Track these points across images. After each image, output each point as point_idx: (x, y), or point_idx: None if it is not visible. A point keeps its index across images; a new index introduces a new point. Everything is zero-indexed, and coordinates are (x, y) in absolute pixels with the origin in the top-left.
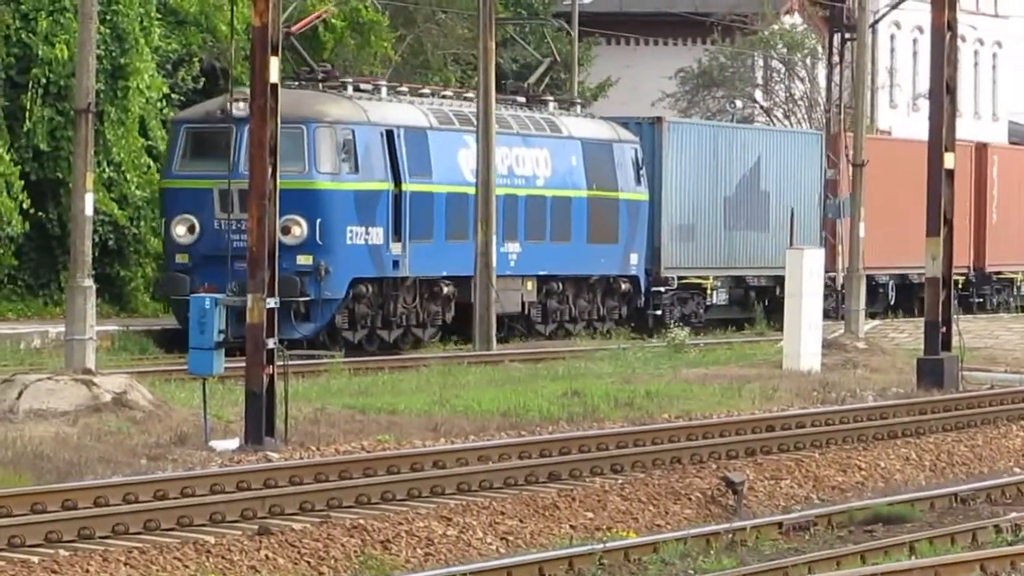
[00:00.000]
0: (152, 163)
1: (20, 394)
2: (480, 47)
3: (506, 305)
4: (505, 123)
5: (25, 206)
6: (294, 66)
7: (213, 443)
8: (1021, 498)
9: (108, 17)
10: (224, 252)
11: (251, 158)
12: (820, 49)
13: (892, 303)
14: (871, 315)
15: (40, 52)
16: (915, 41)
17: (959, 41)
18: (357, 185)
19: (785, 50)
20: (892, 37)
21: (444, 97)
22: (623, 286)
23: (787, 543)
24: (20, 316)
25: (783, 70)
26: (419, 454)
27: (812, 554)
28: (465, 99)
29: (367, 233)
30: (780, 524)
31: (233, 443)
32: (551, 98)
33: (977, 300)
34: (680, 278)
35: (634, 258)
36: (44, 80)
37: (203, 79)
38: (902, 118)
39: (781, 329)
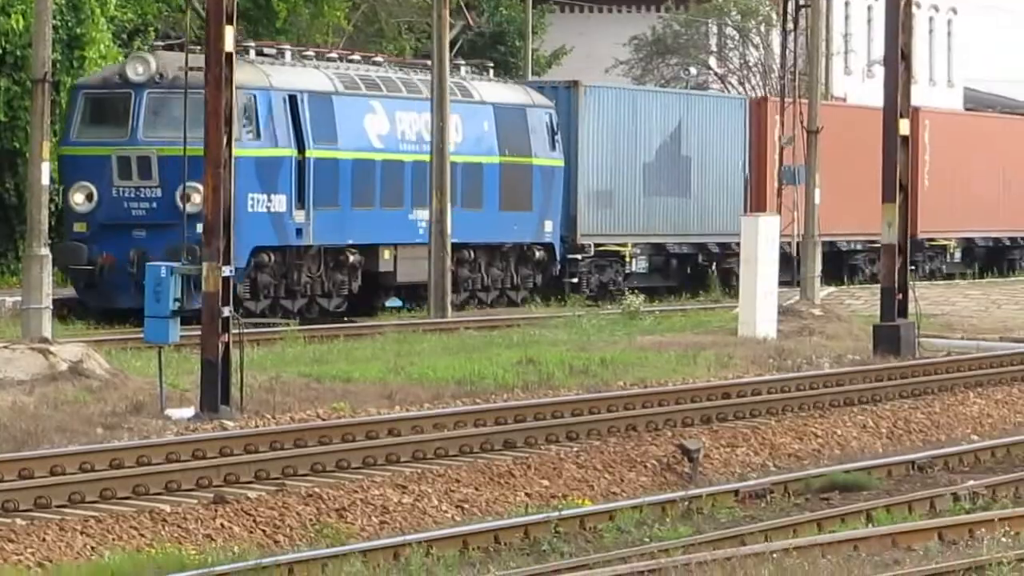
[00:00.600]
0: None
1: None
2: (434, 15)
3: (415, 274)
4: (414, 87)
5: None
6: (195, 31)
7: (169, 412)
8: (979, 466)
9: None
10: (123, 221)
11: (207, 127)
12: (774, 16)
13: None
14: (797, 283)
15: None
16: (870, 8)
17: (914, 7)
18: (258, 152)
19: (739, 17)
20: (847, 3)
21: (352, 61)
22: (537, 254)
23: (743, 511)
24: None
25: (737, 37)
26: (374, 422)
27: (768, 522)
28: (374, 63)
29: (269, 201)
30: (736, 492)
31: (189, 412)
32: (463, 63)
33: (910, 268)
34: (597, 245)
35: (549, 225)
36: (0, 51)
37: None
38: (857, 84)
39: (700, 298)
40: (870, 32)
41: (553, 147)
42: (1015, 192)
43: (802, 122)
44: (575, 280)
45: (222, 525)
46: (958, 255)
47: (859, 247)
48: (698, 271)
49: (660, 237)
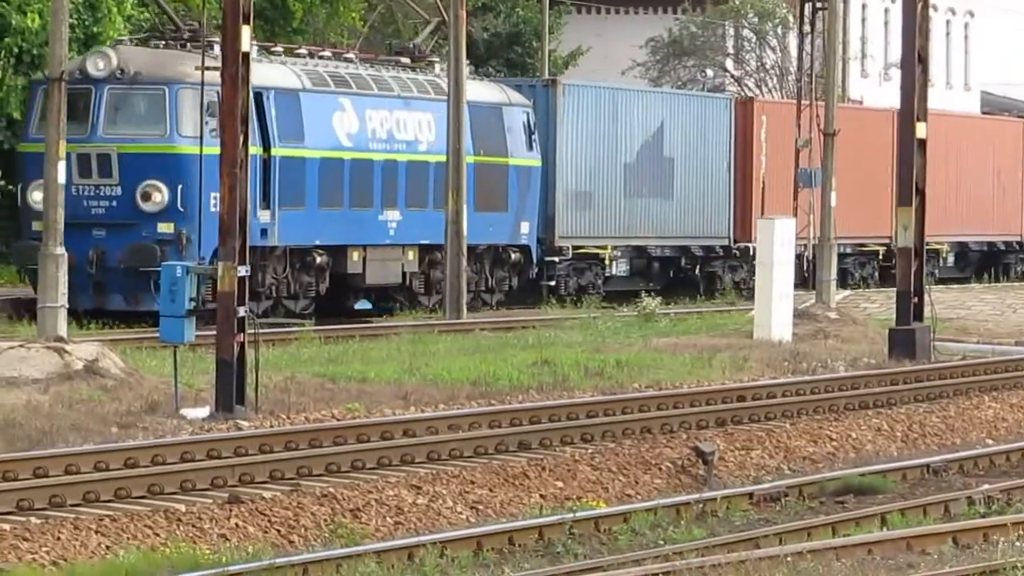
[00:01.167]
0: None
1: None
2: (451, 15)
3: (384, 276)
4: (385, 85)
5: None
6: (159, 24)
7: (184, 411)
8: (993, 470)
9: None
10: (82, 220)
11: (222, 127)
12: (791, 18)
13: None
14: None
15: (13, 21)
16: (887, 11)
17: (931, 11)
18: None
19: (756, 19)
20: (864, 6)
21: (322, 58)
22: (513, 256)
23: (758, 514)
24: None
25: (754, 39)
26: (389, 423)
27: (783, 525)
28: (345, 59)
29: None
30: (751, 495)
31: (204, 411)
32: (437, 59)
33: (893, 271)
34: (576, 247)
35: (525, 227)
36: (17, 49)
37: None
38: (874, 87)
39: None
40: (887, 35)
41: (530, 147)
42: (1009, 195)
43: (818, 124)
44: (553, 283)
45: (237, 525)
46: (951, 260)
47: (849, 251)
48: (681, 274)
49: (641, 239)
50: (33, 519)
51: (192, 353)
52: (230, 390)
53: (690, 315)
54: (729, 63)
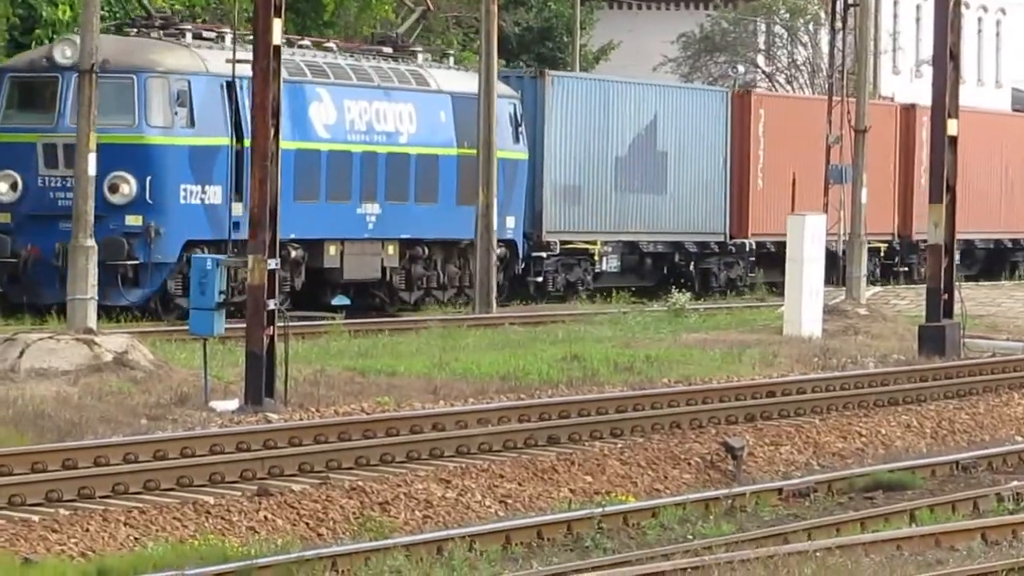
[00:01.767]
0: None
1: (22, 353)
2: (482, 10)
3: (362, 271)
4: (364, 75)
5: None
6: (127, 12)
7: (213, 403)
8: (1022, 466)
9: None
10: (49, 212)
11: (254, 120)
12: (823, 15)
13: None
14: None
15: (44, 13)
16: (918, 7)
17: (963, 7)
18: (192, 140)
19: (788, 15)
20: (895, 3)
21: (301, 47)
22: (498, 251)
23: (787, 509)
24: None
25: (786, 35)
26: (418, 416)
27: (812, 520)
28: (324, 48)
29: (204, 192)
30: (780, 490)
31: (233, 404)
32: (420, 49)
33: (903, 269)
34: (564, 243)
35: (511, 221)
36: (48, 41)
37: None
38: (905, 84)
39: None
40: (918, 32)
41: (517, 139)
42: (1017, 192)
43: (849, 121)
44: (540, 279)
45: (266, 517)
46: (957, 257)
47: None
48: (675, 271)
49: (632, 235)
50: (62, 510)
51: (222, 346)
52: (259, 383)
53: (720, 311)
54: (760, 59)
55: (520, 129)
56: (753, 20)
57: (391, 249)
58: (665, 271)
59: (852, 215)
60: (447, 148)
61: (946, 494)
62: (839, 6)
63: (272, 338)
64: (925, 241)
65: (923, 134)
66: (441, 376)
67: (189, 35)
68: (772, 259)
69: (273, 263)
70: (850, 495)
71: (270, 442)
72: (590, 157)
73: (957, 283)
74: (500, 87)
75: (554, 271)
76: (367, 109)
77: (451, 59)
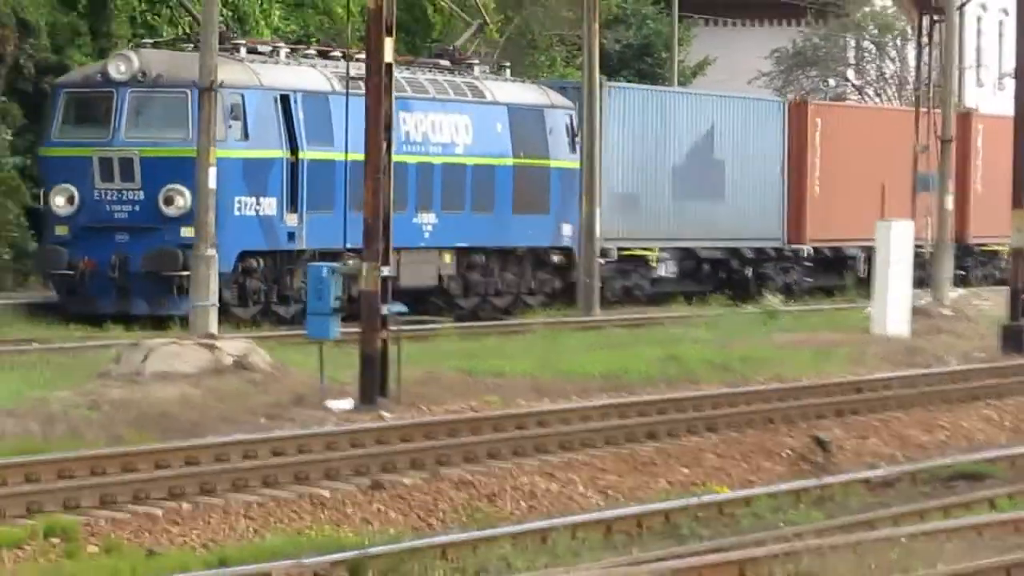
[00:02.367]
0: None
1: (146, 357)
2: (585, 28)
3: (419, 279)
4: (420, 87)
5: None
6: (186, 28)
7: (329, 403)
8: None
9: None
10: (104, 224)
11: (367, 135)
12: (909, 30)
13: (864, 276)
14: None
15: (164, 33)
16: (1001, 23)
17: None
18: (246, 153)
19: (876, 31)
20: (979, 19)
21: (359, 60)
22: (555, 258)
23: (873, 498)
24: None
25: (874, 50)
26: (524, 414)
27: (897, 508)
28: None
29: (258, 204)
30: (867, 480)
31: (347, 403)
32: (477, 62)
33: (959, 272)
34: (621, 249)
35: (567, 229)
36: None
37: None
38: (988, 96)
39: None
40: (1001, 46)
41: (573, 149)
42: None
43: (935, 131)
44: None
45: (378, 510)
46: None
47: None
48: (733, 276)
49: (689, 242)
50: (184, 505)
51: (336, 349)
52: (373, 383)
53: (811, 313)
54: (850, 73)
55: (576, 139)
56: (843, 36)
57: (447, 257)
58: (724, 276)
59: (939, 220)
60: (503, 158)
61: None
62: (925, 23)
63: (385, 341)
64: (980, 245)
65: (979, 141)
66: (546, 376)
67: (243, 50)
68: (829, 264)
69: (386, 270)
70: (933, 484)
71: (383, 439)
72: (647, 166)
73: None
74: (556, 97)
75: (611, 277)
76: (422, 121)
77: (507, 71)
